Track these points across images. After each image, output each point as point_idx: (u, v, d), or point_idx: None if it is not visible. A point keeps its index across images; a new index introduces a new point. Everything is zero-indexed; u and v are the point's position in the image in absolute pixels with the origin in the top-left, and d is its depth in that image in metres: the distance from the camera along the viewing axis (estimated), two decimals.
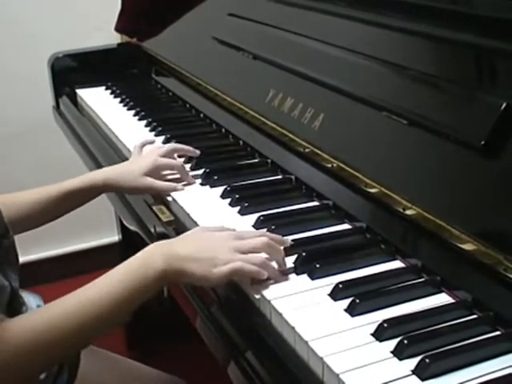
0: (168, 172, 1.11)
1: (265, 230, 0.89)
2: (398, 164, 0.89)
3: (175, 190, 1.07)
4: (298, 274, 0.81)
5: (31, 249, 2.10)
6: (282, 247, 0.82)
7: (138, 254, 0.79)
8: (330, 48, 1.08)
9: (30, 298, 0.98)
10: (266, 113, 1.16)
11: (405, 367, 0.65)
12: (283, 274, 0.80)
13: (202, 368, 1.57)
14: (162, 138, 1.31)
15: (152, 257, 0.78)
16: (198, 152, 1.17)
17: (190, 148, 1.17)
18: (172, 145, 1.18)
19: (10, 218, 0.91)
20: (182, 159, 1.17)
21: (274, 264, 0.80)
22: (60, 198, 1.05)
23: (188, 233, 0.84)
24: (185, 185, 1.09)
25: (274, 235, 0.84)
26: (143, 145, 1.18)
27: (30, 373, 0.78)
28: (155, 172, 1.09)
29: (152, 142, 1.22)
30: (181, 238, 0.82)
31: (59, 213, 1.08)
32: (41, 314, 0.78)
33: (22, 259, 0.92)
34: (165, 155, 1.12)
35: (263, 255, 0.79)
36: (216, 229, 0.84)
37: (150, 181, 1.08)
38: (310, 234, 0.91)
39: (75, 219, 1.09)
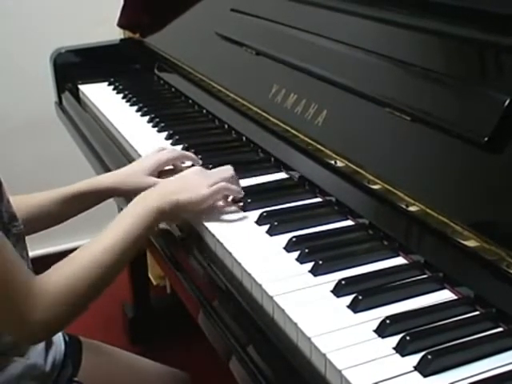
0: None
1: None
2: (401, 160, 0.89)
3: None
4: (300, 268, 0.81)
5: (35, 244, 2.10)
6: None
7: (136, 200, 0.93)
8: (334, 44, 1.08)
9: None
10: (268, 109, 1.16)
11: (407, 363, 0.65)
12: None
13: (204, 362, 1.57)
14: (165, 133, 1.31)
15: (148, 198, 0.92)
16: (199, 162, 1.13)
17: (195, 157, 1.14)
18: (181, 152, 1.15)
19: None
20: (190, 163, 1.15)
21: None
22: (66, 202, 1.04)
23: (172, 177, 0.99)
24: None
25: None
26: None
27: (67, 322, 0.84)
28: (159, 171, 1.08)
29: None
30: (168, 180, 0.99)
31: (65, 216, 1.07)
32: (71, 264, 0.85)
33: None
34: (173, 159, 1.11)
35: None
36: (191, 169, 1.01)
37: (154, 180, 1.05)
38: (313, 230, 0.91)
39: (79, 215, 1.09)
